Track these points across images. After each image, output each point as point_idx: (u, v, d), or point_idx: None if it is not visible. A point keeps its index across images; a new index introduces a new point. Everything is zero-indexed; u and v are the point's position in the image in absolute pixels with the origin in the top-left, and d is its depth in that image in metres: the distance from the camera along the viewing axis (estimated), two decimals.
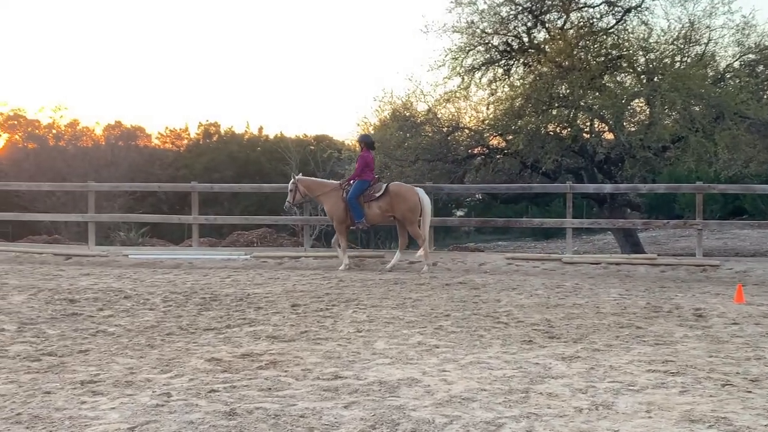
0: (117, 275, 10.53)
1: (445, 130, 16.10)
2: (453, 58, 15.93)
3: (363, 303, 8.12)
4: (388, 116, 17.10)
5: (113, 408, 4.28)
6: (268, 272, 10.98)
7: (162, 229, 21.98)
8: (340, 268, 11.44)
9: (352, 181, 11.62)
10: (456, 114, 16.66)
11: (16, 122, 35.17)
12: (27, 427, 3.95)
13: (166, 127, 37.30)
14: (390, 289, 9.24)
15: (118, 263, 11.88)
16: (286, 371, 5.13)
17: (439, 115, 16.45)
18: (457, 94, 16.36)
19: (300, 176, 12.30)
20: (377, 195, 11.43)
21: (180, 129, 38.21)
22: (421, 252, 11.47)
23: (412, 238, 11.59)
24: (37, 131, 34.26)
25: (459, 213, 25.82)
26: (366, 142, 11.86)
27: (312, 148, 30.86)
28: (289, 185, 12.11)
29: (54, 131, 34.06)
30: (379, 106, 17.06)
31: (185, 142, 37.74)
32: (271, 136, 37.85)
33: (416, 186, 12.01)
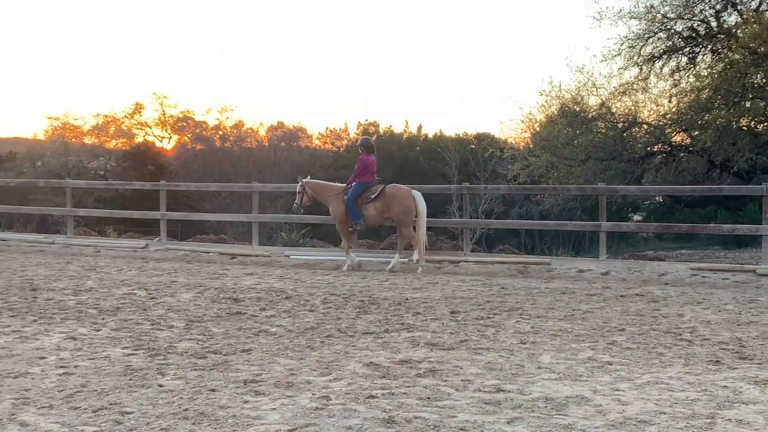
0: (279, 275, 11.10)
1: (620, 125, 15.48)
2: (630, 47, 15.30)
3: (527, 313, 7.99)
4: (555, 112, 16.72)
5: (274, 409, 4.51)
6: (427, 277, 11.10)
7: (322, 230, 22.86)
8: (344, 268, 11.86)
9: (352, 184, 12.09)
10: (633, 108, 15.96)
11: (185, 124, 38.15)
12: (193, 423, 4.26)
13: (327, 128, 38.84)
14: (557, 299, 9.02)
15: (280, 263, 12.51)
16: (445, 380, 5.16)
17: (613, 110, 15.85)
18: (635, 86, 15.68)
19: (308, 179, 12.82)
20: (372, 197, 11.90)
21: (340, 129, 39.58)
22: (415, 255, 11.83)
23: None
24: (204, 133, 36.94)
25: (636, 218, 24.73)
26: (366, 145, 12.42)
27: (473, 146, 30.81)
28: (297, 188, 12.76)
29: (220, 132, 36.52)
30: (546, 101, 16.73)
31: (345, 142, 39.01)
32: (430, 135, 38.19)
33: (412, 187, 12.27)
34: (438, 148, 30.61)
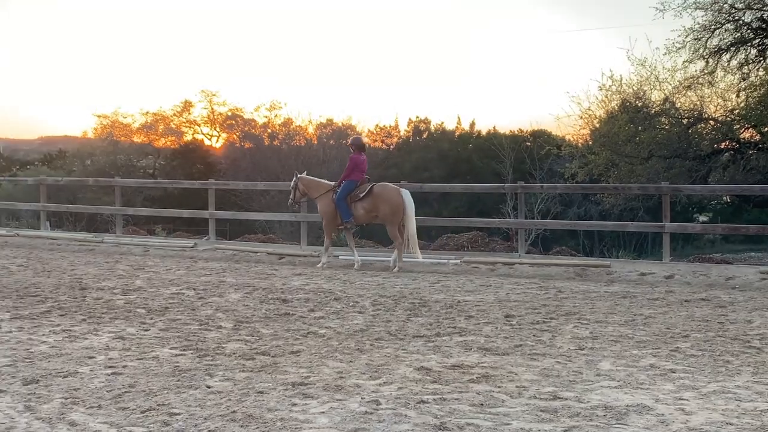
0: (327, 276, 11.18)
1: (685, 121, 15.15)
2: (695, 39, 14.95)
3: (585, 317, 7.88)
4: (616, 107, 16.45)
5: (323, 412, 4.55)
6: (480, 279, 11.04)
7: (370, 230, 22.97)
8: (318, 265, 12.27)
9: (342, 183, 12.37)
10: (698, 103, 15.60)
11: (233, 122, 38.69)
12: (241, 426, 4.33)
13: (377, 125, 38.89)
14: (617, 303, 8.87)
15: (329, 264, 12.59)
16: (499, 387, 5.12)
17: (677, 105, 15.53)
18: (700, 80, 15.32)
19: (303, 174, 13.09)
20: (361, 195, 12.17)
21: (390, 126, 39.58)
22: (395, 254, 12.20)
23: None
24: (253, 131, 37.39)
25: (701, 218, 24.20)
26: (356, 144, 12.73)
27: (528, 144, 30.52)
28: (292, 183, 13.08)
29: (269, 130, 36.92)
30: (606, 96, 16.47)
31: (395, 140, 39.01)
32: (484, 132, 37.95)
33: (401, 186, 12.51)
34: (492, 145, 30.39)
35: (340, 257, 13.12)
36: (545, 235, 22.73)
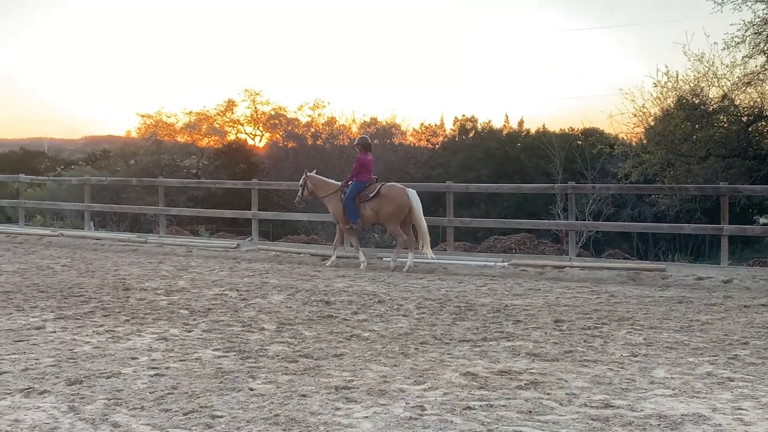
0: (371, 278, 11.21)
1: (744, 119, 14.81)
2: (755, 33, 14.60)
3: (639, 323, 7.75)
4: (672, 105, 16.16)
5: (366, 417, 4.56)
6: (528, 282, 10.95)
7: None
8: (361, 267, 12.34)
9: (350, 183, 12.68)
10: (759, 100, 15.24)
11: (277, 121, 39.03)
12: (284, 429, 4.36)
13: (422, 123, 38.83)
14: (672, 308, 8.71)
15: (373, 266, 12.62)
16: (548, 394, 5.07)
17: (737, 102, 15.17)
18: (761, 76, 14.94)
19: (313, 173, 13.39)
20: (371, 195, 12.46)
21: (435, 125, 39.48)
22: (394, 253, 12.60)
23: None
24: (296, 130, 37.66)
25: (762, 220, 23.59)
26: (363, 144, 13.02)
27: (579, 142, 30.16)
28: (301, 181, 13.40)
29: (312, 130, 37.16)
30: (661, 93, 16.18)
31: (440, 139, 38.91)
32: (533, 131, 37.63)
33: (407, 186, 12.68)
34: (541, 144, 30.12)
35: (384, 259, 13.14)
36: (597, 237, 22.43)
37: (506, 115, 46.60)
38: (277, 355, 6.22)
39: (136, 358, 6.10)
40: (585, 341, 6.84)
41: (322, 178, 13.42)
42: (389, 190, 12.50)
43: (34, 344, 6.59)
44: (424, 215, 12.56)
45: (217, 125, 39.34)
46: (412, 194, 12.37)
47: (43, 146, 58.75)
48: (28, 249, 14.89)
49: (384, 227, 12.73)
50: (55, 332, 7.12)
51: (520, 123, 39.01)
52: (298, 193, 13.47)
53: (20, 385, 5.28)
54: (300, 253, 13.97)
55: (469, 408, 4.72)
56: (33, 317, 7.85)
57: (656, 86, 16.65)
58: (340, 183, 13.01)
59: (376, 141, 33.83)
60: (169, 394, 5.08)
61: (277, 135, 38.84)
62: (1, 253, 13.96)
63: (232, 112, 39.65)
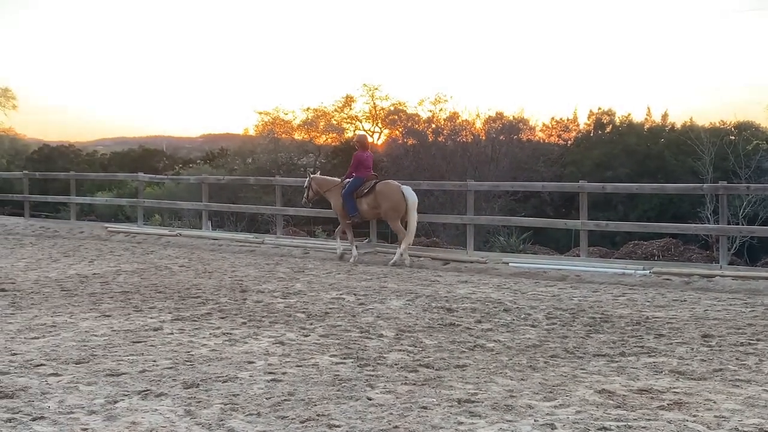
0: (496, 285, 11.14)
1: None
2: None
3: None
4: None
5: None
6: (672, 292, 10.57)
7: (546, 235, 22.62)
8: (350, 260, 13.74)
9: (348, 179, 14.10)
10: None
11: (396, 117, 39.36)
12: None
13: (552, 118, 38.13)
14: None
15: (497, 271, 12.53)
16: (694, 416, 4.89)
17: None
18: None
19: (317, 174, 15.42)
20: (366, 191, 13.77)
21: (567, 119, 38.73)
22: (402, 247, 13.43)
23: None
24: (416, 126, 37.84)
25: None
26: (361, 142, 14.81)
27: (732, 138, 28.83)
28: (305, 183, 15.05)
29: (433, 126, 37.23)
30: None
31: (573, 134, 38.16)
32: (678, 125, 36.27)
33: (402, 183, 13.96)
34: (688, 139, 28.96)
35: (510, 264, 13.03)
36: (752, 243, 21.39)
37: (648, 108, 44.96)
38: (396, 364, 6.28)
39: (253, 362, 6.32)
40: (737, 359, 6.56)
41: (323, 177, 15.28)
42: (384, 187, 13.76)
43: (152, 346, 6.95)
44: (550, 216, 12.50)
45: (334, 122, 40.08)
46: (408, 191, 13.56)
47: (161, 144, 61.78)
48: (147, 249, 15.70)
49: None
50: (172, 334, 7.47)
51: (664, 116, 37.64)
52: (304, 195, 15.10)
53: (138, 387, 5.57)
54: (420, 257, 14.06)
55: (605, 429, 4.62)
56: (151, 318, 8.27)
57: None
58: (337, 179, 14.60)
59: (501, 137, 33.54)
60: (285, 400, 5.24)
61: (397, 132, 39.13)
62: (120, 253, 14.79)
63: (350, 108, 40.29)
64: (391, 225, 13.88)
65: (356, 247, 14.13)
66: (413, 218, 13.54)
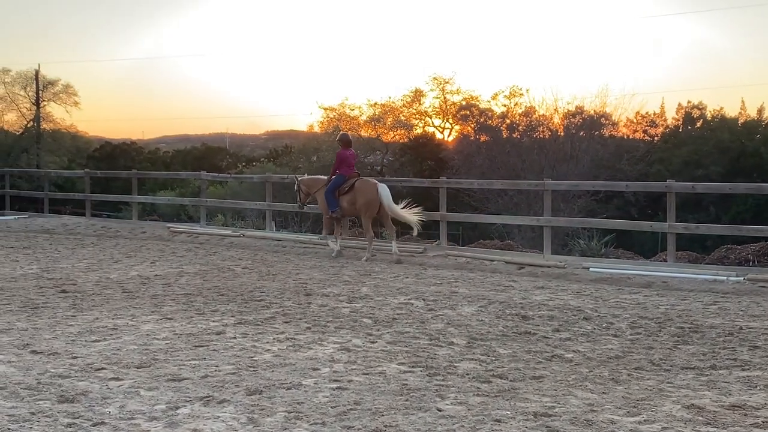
0: (575, 291, 11.00)
1: None
2: None
3: None
4: None
5: None
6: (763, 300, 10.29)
7: (630, 237, 22.25)
8: (333, 255, 14.71)
9: (332, 177, 15.04)
10: None
11: (468, 112, 39.19)
12: None
13: (637, 112, 37.46)
14: None
15: (577, 277, 12.37)
16: None
17: None
18: None
19: (304, 176, 16.26)
20: (346, 189, 14.74)
21: (654, 113, 38.01)
22: (393, 244, 14.53)
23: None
24: (489, 122, 37.62)
25: None
26: (343, 140, 15.73)
27: None
28: (295, 186, 15.95)
29: (508, 121, 36.96)
30: None
31: (660, 129, 37.45)
32: None
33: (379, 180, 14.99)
34: None
35: (590, 269, 12.85)
36: None
37: (742, 101, 43.89)
38: (467, 374, 6.26)
39: (318, 369, 6.37)
40: None
41: (310, 177, 16.22)
42: (361, 184, 14.77)
43: (214, 350, 7.07)
44: (635, 218, 12.28)
45: (403, 117, 40.13)
46: (382, 189, 14.60)
47: (224, 142, 62.87)
48: (209, 250, 15.99)
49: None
50: (235, 338, 7.59)
51: (760, 110, 36.65)
52: (297, 199, 16.05)
53: (200, 393, 5.68)
54: (493, 261, 13.97)
55: None
56: (213, 321, 8.42)
57: None
58: (324, 177, 15.48)
59: (582, 133, 33.08)
60: (351, 409, 5.27)
61: (468, 127, 38.97)
62: (182, 254, 15.10)
63: (420, 103, 40.30)
64: (363, 222, 15.05)
65: (338, 242, 15.00)
66: (388, 217, 14.67)
